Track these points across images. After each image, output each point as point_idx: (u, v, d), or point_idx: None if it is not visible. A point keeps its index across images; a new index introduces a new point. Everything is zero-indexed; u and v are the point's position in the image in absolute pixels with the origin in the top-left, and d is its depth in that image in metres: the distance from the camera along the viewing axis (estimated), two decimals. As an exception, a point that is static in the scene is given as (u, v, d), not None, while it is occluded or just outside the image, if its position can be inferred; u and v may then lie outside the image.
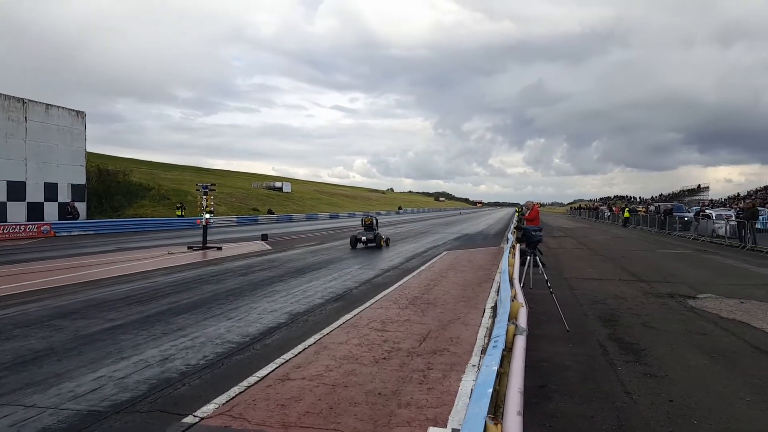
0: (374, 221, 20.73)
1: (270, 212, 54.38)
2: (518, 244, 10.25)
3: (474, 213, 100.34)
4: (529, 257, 8.60)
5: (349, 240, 21.05)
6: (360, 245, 19.63)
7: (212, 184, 20.23)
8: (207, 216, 19.42)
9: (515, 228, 14.42)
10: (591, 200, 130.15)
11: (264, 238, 23.62)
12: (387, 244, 20.42)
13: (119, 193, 38.76)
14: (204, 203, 19.43)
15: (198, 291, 10.06)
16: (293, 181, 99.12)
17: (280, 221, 49.59)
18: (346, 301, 9.21)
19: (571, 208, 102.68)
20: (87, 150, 32.39)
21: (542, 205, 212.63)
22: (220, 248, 18.80)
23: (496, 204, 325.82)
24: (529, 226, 10.00)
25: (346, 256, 16.51)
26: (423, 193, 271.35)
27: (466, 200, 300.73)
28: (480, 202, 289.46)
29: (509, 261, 8.43)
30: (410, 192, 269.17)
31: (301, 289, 10.29)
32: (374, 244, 19.64)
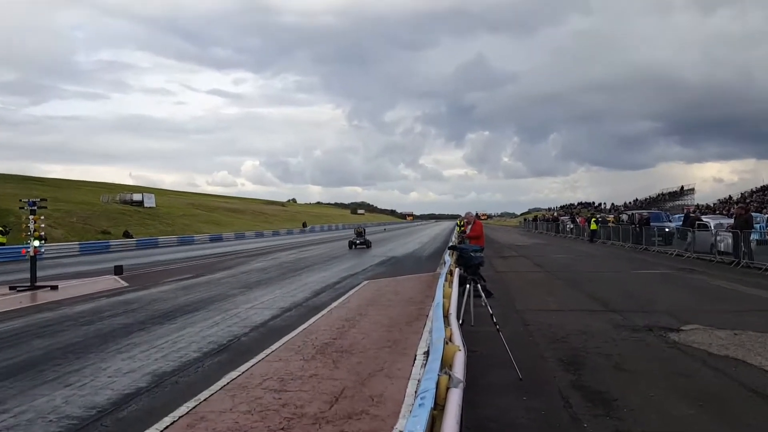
0: (363, 230, 40.79)
1: (127, 235, 52.84)
2: (456, 268, 10.54)
3: (403, 228, 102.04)
4: (468, 285, 8.84)
5: (239, 271, 22.11)
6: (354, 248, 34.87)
7: (42, 200, 19.45)
8: (36, 244, 18.64)
9: (449, 247, 14.78)
10: (549, 209, 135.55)
11: (118, 271, 22.99)
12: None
13: None
14: (31, 226, 18.62)
15: (24, 348, 9.69)
16: (159, 193, 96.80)
17: (142, 247, 48.27)
18: (232, 353, 9.07)
19: (525, 219, 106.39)
20: None
21: (489, 216, 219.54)
22: (55, 287, 18.20)
23: (432, 217, 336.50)
24: (467, 246, 10.31)
25: (232, 293, 16.33)
26: (336, 205, 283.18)
27: (393, 212, 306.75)
28: (410, 215, 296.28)
29: (444, 291, 8.56)
30: (319, 203, 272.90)
31: (169, 340, 10.07)
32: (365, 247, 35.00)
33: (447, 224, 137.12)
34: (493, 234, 59.60)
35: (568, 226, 56.18)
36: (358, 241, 39.08)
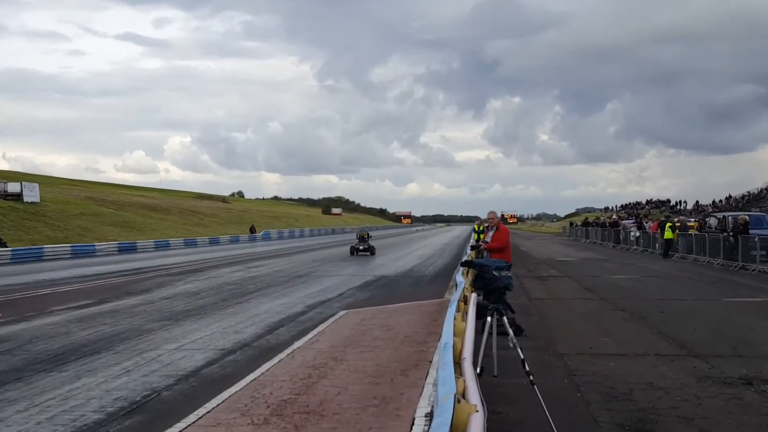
0: (368, 235, 47.41)
1: (-1, 243, 52.45)
2: (473, 293, 10.54)
3: (398, 236, 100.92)
4: (489, 318, 8.85)
5: (161, 296, 22.03)
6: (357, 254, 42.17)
7: None
8: None
9: (463, 263, 14.74)
10: (606, 209, 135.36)
11: (-17, 294, 22.60)
12: None
13: None
14: None
15: None
16: (45, 182, 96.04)
17: (19, 260, 47.88)
18: (149, 414, 9.01)
19: (571, 223, 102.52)
20: None
21: (519, 219, 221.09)
22: None
23: (439, 219, 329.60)
24: (489, 261, 10.35)
25: (150, 327, 16.10)
26: (301, 201, 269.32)
27: (382, 212, 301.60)
28: (407, 217, 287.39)
29: (456, 326, 8.49)
30: (277, 199, 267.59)
31: (58, 395, 9.95)
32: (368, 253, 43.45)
33: (460, 230, 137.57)
34: (525, 244, 59.68)
35: (632, 234, 55.23)
36: (361, 247, 46.38)
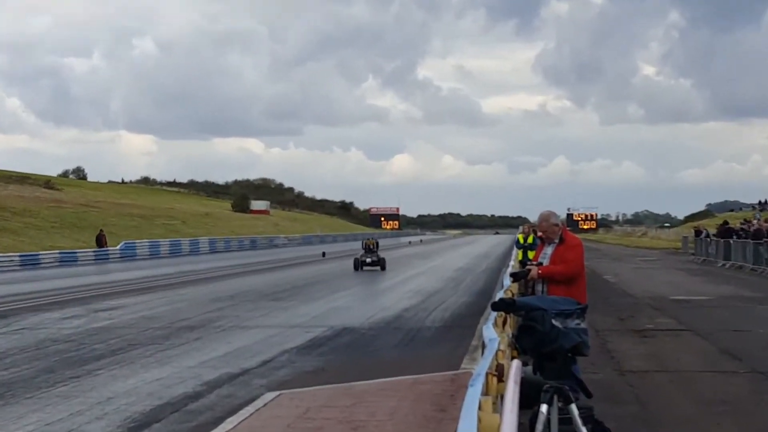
0: (376, 243, 42.48)
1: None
2: (515, 360, 7.27)
3: (391, 250, 74.42)
4: (545, 407, 6.47)
5: None
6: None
7: None
8: None
9: (496, 305, 8.85)
10: (762, 206, 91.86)
11: None
12: None
13: None
14: None
15: None
16: None
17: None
18: None
19: (697, 232, 61.19)
20: None
21: (600, 223, 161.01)
22: None
23: (451, 223, 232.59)
24: (545, 300, 7.58)
25: None
26: (194, 187, 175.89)
27: (346, 209, 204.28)
28: (391, 218, 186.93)
29: (483, 420, 5.44)
30: (147, 182, 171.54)
31: None
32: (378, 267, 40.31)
33: (490, 242, 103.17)
34: (612, 269, 41.78)
35: None
36: (368, 260, 41.16)
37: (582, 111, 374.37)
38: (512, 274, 14.42)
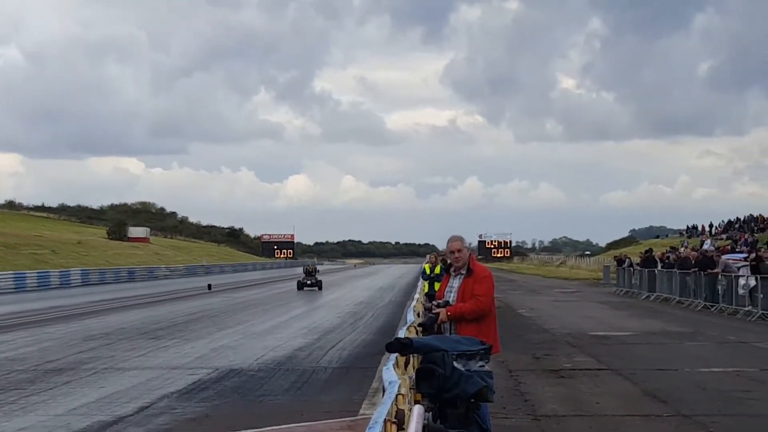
0: (315, 269, 54.01)
1: None
2: (416, 405, 6.78)
3: (263, 285, 74.23)
4: None
5: None
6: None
7: None
8: None
9: (391, 345, 8.53)
10: (689, 232, 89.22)
11: None
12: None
13: None
14: None
15: None
16: None
17: None
18: None
19: (618, 261, 55.22)
20: None
21: (514, 250, 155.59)
22: None
23: (351, 252, 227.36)
24: (447, 340, 7.84)
25: None
26: (65, 211, 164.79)
27: (235, 236, 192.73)
28: (285, 246, 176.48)
29: None
30: (12, 206, 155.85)
31: None
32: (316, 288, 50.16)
33: (393, 273, 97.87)
34: (527, 303, 39.93)
35: (742, 282, 34.36)
36: (308, 282, 52.15)
37: (496, 128, 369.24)
38: (421, 324, 13.21)
